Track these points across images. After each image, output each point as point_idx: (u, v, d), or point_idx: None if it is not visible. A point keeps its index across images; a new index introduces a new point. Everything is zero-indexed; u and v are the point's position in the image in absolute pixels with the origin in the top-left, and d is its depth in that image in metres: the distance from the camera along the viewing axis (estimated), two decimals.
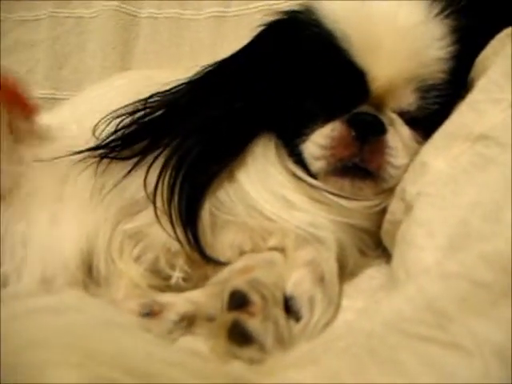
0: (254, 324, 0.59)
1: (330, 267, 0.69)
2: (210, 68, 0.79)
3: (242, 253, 0.72)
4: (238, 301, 0.61)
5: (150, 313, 0.66)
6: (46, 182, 0.76)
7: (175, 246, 0.71)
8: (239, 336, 0.59)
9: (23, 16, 1.39)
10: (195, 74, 0.79)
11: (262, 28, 0.79)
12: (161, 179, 0.71)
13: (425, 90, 0.71)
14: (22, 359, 0.47)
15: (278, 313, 0.61)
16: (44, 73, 1.35)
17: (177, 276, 0.72)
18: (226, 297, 0.63)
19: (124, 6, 1.33)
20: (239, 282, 0.64)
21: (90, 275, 0.73)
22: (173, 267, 0.73)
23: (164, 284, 0.73)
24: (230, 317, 0.60)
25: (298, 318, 0.63)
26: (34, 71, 1.37)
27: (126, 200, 0.75)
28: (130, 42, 1.32)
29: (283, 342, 0.59)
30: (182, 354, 0.56)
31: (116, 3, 1.33)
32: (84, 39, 1.34)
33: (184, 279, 0.72)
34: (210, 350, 0.60)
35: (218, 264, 0.71)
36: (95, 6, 1.35)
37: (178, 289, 0.72)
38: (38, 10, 1.39)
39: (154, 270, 0.74)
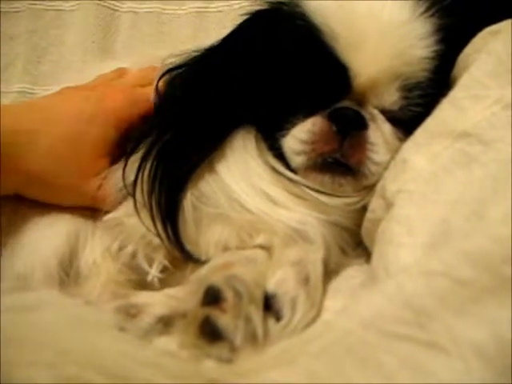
0: (224, 321, 0.58)
1: (316, 269, 0.68)
2: (191, 59, 0.78)
3: (226, 250, 0.72)
4: (212, 297, 0.60)
5: (126, 316, 0.65)
6: None
7: (155, 238, 0.71)
8: (209, 332, 0.58)
9: (2, 8, 1.37)
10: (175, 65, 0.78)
11: (245, 18, 0.78)
12: (141, 171, 0.71)
13: (408, 88, 0.71)
14: None
15: (253, 310, 0.60)
16: (23, 66, 1.33)
17: (153, 274, 0.71)
18: (201, 292, 0.62)
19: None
20: (216, 278, 0.63)
21: (68, 273, 0.73)
22: (151, 262, 0.72)
23: (141, 279, 0.73)
24: (202, 312, 0.59)
25: (278, 318, 0.62)
26: (13, 64, 1.34)
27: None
28: (110, 36, 1.30)
29: (256, 341, 0.58)
30: (156, 354, 0.55)
31: None
32: (63, 33, 1.31)
33: (160, 279, 0.72)
34: (180, 345, 0.59)
35: (198, 262, 0.70)
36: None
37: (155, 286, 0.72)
38: (17, 3, 1.37)
39: (133, 266, 0.73)
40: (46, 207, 0.74)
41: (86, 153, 0.74)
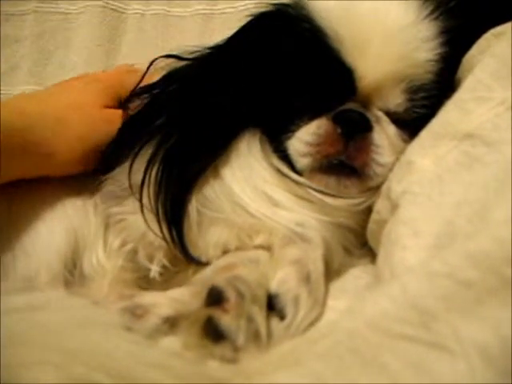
0: (226, 321, 0.58)
1: (317, 267, 0.68)
2: (195, 60, 0.79)
3: (226, 251, 0.72)
4: (215, 297, 0.61)
5: (133, 316, 0.65)
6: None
7: (156, 238, 0.71)
8: (212, 333, 0.58)
9: (8, 11, 1.37)
10: (180, 68, 0.79)
11: (250, 19, 0.78)
12: (147, 175, 0.71)
13: (413, 90, 0.71)
14: (1, 358, 0.47)
15: (255, 310, 0.60)
16: (29, 69, 1.33)
17: (154, 270, 0.72)
18: (204, 293, 0.62)
19: (111, 2, 1.32)
20: (219, 279, 0.63)
21: (73, 274, 0.73)
22: (151, 260, 0.73)
23: (145, 276, 0.73)
24: (205, 313, 0.60)
25: (282, 317, 0.62)
26: (18, 67, 1.35)
27: (115, 188, 0.75)
28: (116, 38, 1.31)
29: (259, 341, 0.58)
30: (163, 355, 0.55)
31: None
32: (69, 35, 1.32)
33: (162, 274, 0.72)
34: (184, 346, 0.59)
35: (199, 264, 0.71)
36: (81, 2, 1.33)
37: (160, 285, 0.73)
38: (22, 5, 1.37)
39: (135, 262, 0.74)
40: (39, 205, 0.74)
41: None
